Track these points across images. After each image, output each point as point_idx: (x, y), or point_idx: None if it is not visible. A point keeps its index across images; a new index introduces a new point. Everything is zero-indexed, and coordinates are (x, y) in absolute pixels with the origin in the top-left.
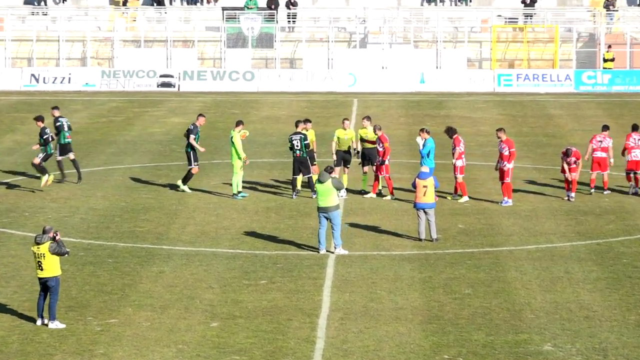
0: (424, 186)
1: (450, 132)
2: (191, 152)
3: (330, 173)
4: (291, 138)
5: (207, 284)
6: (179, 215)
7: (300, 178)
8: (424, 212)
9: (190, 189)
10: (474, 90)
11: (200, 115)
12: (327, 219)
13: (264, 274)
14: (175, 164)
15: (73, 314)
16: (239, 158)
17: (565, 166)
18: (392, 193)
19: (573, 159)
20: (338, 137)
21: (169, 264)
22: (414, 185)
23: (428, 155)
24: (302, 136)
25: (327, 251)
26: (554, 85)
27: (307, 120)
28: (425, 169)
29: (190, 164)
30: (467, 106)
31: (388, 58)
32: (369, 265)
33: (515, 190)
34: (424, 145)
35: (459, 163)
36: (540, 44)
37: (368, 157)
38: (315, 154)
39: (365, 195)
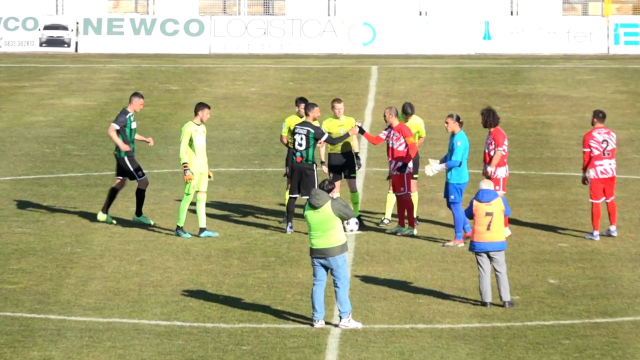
0: (488, 213)
1: (490, 118)
2: (125, 158)
3: (329, 191)
4: (295, 129)
5: None
6: (77, 262)
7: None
8: (489, 257)
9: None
10: (575, 52)
11: (135, 94)
12: (325, 269)
13: None
14: (71, 175)
15: None
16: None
17: None
18: (411, 224)
19: None
20: (328, 132)
21: (59, 344)
22: (470, 213)
23: (460, 164)
24: (311, 130)
25: (326, 323)
26: None
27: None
28: (487, 184)
29: (131, 175)
30: (563, 78)
31: None
32: (398, 346)
33: None
34: (453, 147)
35: (502, 173)
36: None
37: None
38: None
39: (389, 230)
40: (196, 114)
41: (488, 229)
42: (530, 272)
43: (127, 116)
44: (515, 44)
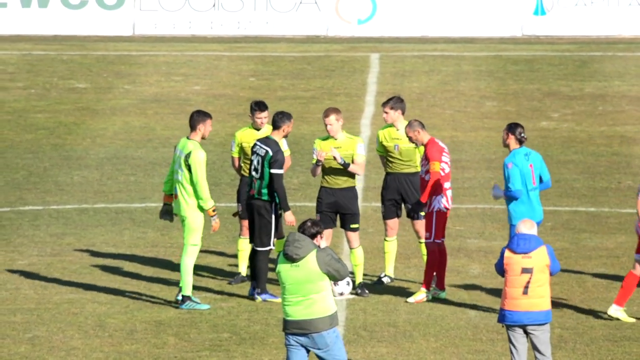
0: (525, 270)
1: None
2: None
3: (314, 237)
4: (253, 148)
5: None
6: None
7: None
8: (525, 332)
9: None
10: None
11: None
12: (306, 350)
13: None
14: None
15: None
16: (200, 208)
17: None
18: (439, 285)
19: None
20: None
21: None
22: (502, 268)
23: (516, 194)
24: (269, 152)
25: None
26: None
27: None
28: (527, 225)
29: None
30: None
31: None
32: None
33: None
34: (504, 172)
35: None
36: None
37: (401, 194)
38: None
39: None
40: (194, 128)
41: (525, 292)
42: (603, 356)
43: None
44: (582, 22)
